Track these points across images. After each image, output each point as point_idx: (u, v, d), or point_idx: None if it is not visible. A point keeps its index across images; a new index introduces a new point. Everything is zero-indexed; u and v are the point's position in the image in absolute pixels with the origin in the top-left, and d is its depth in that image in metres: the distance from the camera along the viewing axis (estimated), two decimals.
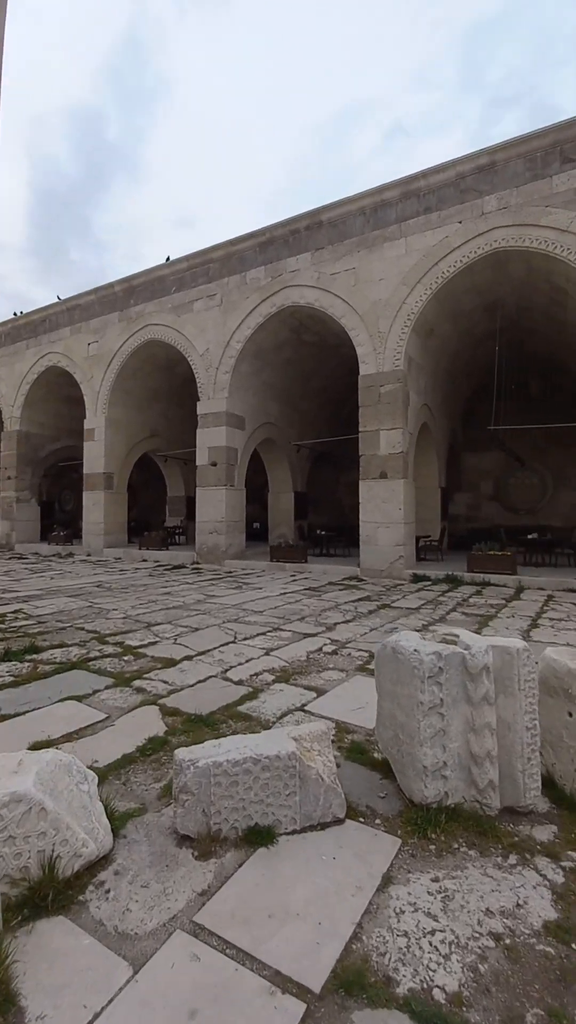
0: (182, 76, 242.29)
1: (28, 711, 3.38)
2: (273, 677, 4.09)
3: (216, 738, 3.09)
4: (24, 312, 17.61)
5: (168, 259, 13.70)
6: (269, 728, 3.16)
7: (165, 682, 3.94)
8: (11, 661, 4.45)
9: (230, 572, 11.43)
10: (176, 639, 5.26)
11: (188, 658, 4.58)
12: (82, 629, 5.71)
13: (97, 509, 15.47)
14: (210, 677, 4.07)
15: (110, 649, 4.86)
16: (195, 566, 12.59)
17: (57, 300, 16.45)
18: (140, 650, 4.84)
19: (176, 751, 2.21)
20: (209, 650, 4.85)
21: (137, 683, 3.91)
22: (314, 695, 3.71)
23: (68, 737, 3.02)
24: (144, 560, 14.12)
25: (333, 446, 16.70)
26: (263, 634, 5.52)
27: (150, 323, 14.29)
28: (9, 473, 17.86)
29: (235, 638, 5.33)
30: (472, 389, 15.72)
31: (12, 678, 4.04)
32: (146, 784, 2.55)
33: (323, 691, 3.79)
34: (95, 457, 15.52)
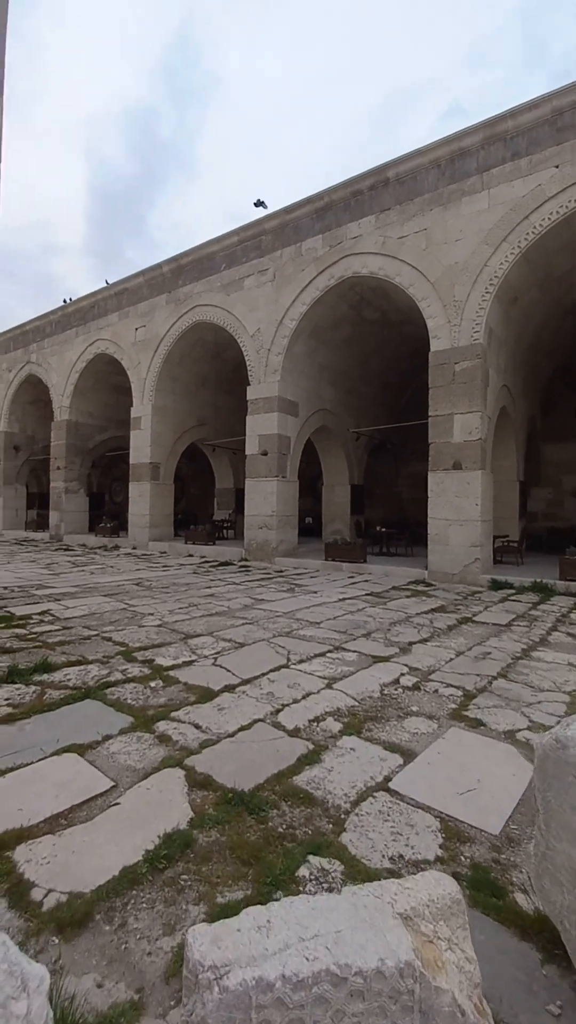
0: (233, 70, 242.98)
1: (13, 768, 2.50)
2: (340, 725, 3.05)
3: (263, 830, 2.10)
4: (73, 299, 17.28)
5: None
6: (341, 824, 2.12)
7: (197, 727, 2.99)
8: (15, 683, 3.63)
9: (281, 571, 10.45)
10: (216, 658, 4.32)
11: (229, 688, 3.61)
12: (109, 639, 4.87)
13: (143, 501, 14.90)
14: (256, 721, 3.08)
15: (136, 670, 3.97)
16: (243, 563, 11.70)
17: (106, 284, 15.95)
18: (171, 673, 3.92)
19: (188, 937, 1.16)
20: (256, 677, 3.86)
21: (161, 726, 2.98)
22: (399, 760, 2.65)
23: (52, 822, 2.10)
24: (190, 555, 13.41)
25: (393, 435, 15.39)
26: (322, 655, 4.49)
27: (198, 304, 13.46)
28: (58, 463, 17.66)
29: (288, 659, 4.32)
30: (553, 369, 13.96)
31: (10, 709, 3.20)
32: (151, 937, 1.58)
33: (411, 753, 2.73)
34: (141, 446, 14.92)
